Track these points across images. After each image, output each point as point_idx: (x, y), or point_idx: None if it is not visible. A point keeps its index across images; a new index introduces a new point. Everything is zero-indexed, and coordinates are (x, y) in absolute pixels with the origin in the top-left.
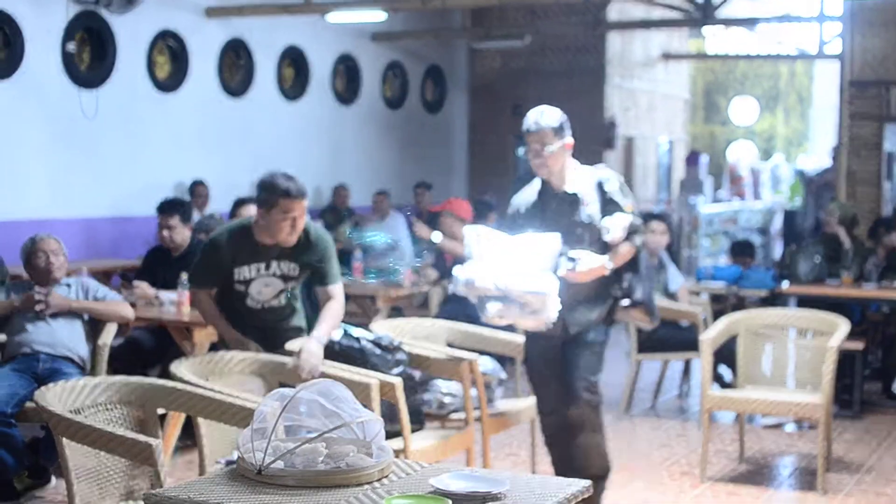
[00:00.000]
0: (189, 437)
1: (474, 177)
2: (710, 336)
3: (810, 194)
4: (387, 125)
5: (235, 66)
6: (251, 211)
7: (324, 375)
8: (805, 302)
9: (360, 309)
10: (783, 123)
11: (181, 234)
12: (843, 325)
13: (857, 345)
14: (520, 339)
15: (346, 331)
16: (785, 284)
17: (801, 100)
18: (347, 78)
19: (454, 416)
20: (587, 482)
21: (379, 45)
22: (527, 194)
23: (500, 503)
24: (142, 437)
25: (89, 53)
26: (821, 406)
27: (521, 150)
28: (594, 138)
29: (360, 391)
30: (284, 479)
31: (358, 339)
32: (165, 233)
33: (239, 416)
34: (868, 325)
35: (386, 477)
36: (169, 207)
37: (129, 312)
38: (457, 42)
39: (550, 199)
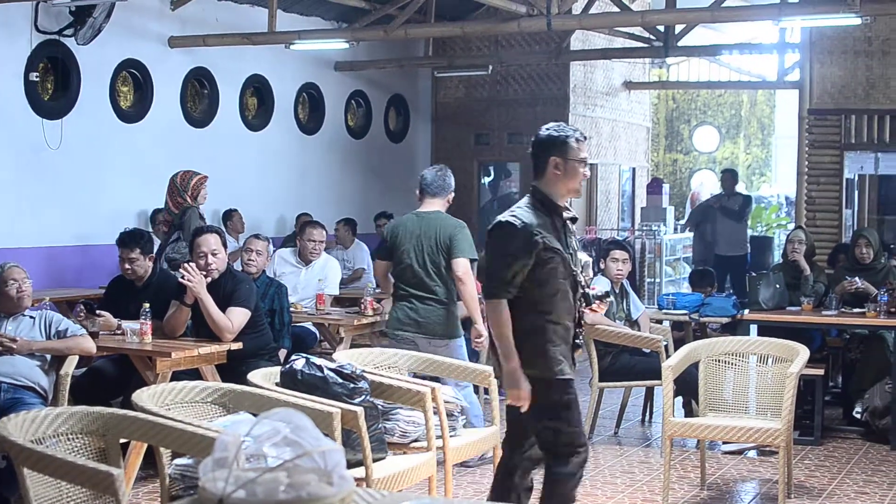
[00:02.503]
0: (152, 467)
1: None
2: (672, 363)
3: (707, 221)
4: (350, 154)
5: (199, 96)
6: (210, 242)
7: (286, 405)
8: (766, 329)
9: (323, 338)
10: (745, 151)
11: (142, 267)
12: (802, 352)
13: (818, 371)
14: (483, 367)
15: (308, 360)
16: (746, 312)
17: (763, 128)
18: (311, 107)
19: (416, 444)
20: None
21: (342, 75)
22: (540, 221)
23: None
24: (103, 467)
25: (53, 83)
26: (781, 432)
27: (485, 180)
28: None
29: (323, 420)
30: None
31: (320, 368)
32: (127, 266)
33: (200, 446)
34: (828, 351)
35: None
36: (129, 240)
37: (90, 347)
38: (420, 71)
39: (561, 227)
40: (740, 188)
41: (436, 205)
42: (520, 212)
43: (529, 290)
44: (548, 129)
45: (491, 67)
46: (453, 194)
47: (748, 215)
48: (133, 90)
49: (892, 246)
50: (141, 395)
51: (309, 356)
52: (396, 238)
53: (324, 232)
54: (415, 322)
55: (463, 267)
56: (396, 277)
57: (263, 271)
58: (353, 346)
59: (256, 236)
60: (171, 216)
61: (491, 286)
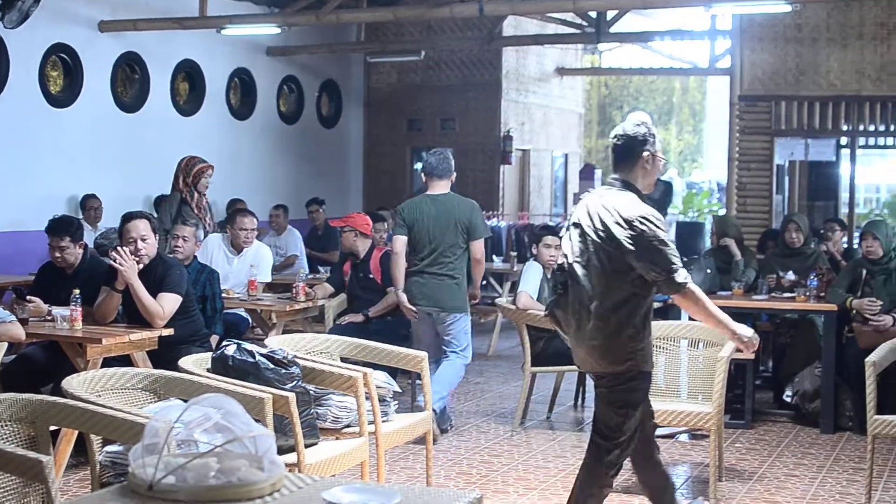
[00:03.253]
0: (83, 455)
1: (370, 191)
2: None
3: None
4: (282, 140)
5: (130, 81)
6: (139, 227)
7: (217, 390)
8: None
9: (255, 324)
10: (676, 138)
11: (73, 254)
12: None
13: (748, 355)
14: (414, 352)
15: (239, 345)
16: None
17: (694, 114)
18: (242, 92)
19: (349, 430)
20: (478, 494)
21: (274, 60)
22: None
23: None
24: (32, 455)
25: None
26: (712, 416)
27: (418, 165)
28: (490, 152)
29: (254, 406)
30: (176, 495)
31: (252, 354)
32: (57, 254)
33: (131, 432)
34: (759, 336)
35: (278, 491)
36: (59, 228)
37: (19, 333)
38: (352, 56)
39: None
40: (672, 174)
41: (444, 187)
42: (646, 203)
43: (642, 286)
44: (637, 124)
45: (423, 53)
46: (455, 174)
47: (669, 203)
48: (63, 75)
49: (821, 231)
50: (71, 382)
51: (240, 342)
52: (415, 220)
53: (255, 220)
54: (426, 296)
55: (480, 249)
56: (412, 255)
57: (195, 257)
58: (285, 331)
59: (183, 222)
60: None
61: (679, 279)
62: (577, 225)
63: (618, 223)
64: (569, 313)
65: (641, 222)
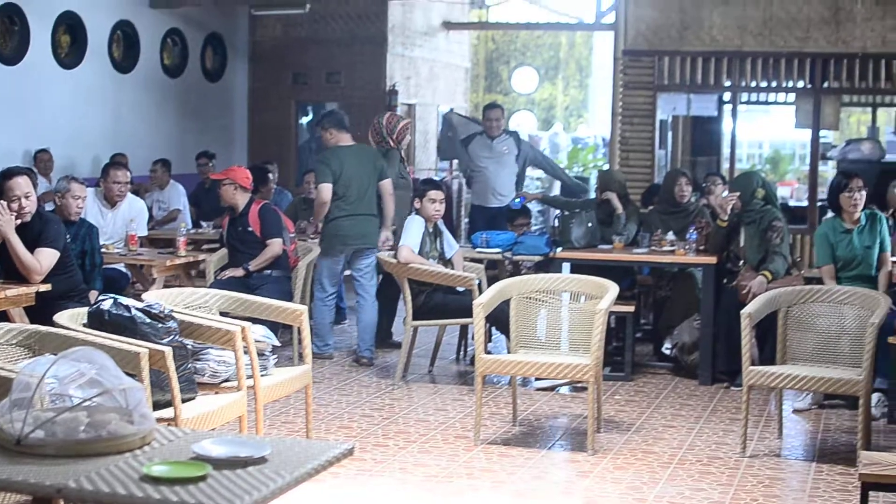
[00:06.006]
0: None
1: (255, 145)
2: (483, 301)
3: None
4: (166, 93)
5: (9, 33)
6: (22, 185)
7: (91, 345)
8: (580, 267)
9: (135, 280)
10: (563, 93)
11: None
12: (612, 289)
13: (628, 308)
14: (294, 306)
15: (116, 300)
16: (559, 250)
17: (581, 69)
18: (125, 45)
19: (227, 384)
20: (350, 445)
21: (157, 12)
22: None
23: (261, 466)
24: None
25: None
26: (591, 367)
27: (303, 120)
28: (375, 106)
29: (130, 360)
30: (44, 449)
31: (128, 308)
32: None
33: (1, 388)
34: (639, 289)
35: (148, 444)
36: None
37: None
38: (237, 9)
39: None
40: (558, 128)
41: (350, 139)
42: None
43: None
44: None
45: (308, 6)
46: None
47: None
48: None
49: (703, 185)
50: None
51: (117, 296)
52: (342, 168)
53: (128, 173)
54: (361, 235)
55: (391, 187)
56: (340, 199)
57: None
58: (166, 287)
59: (75, 179)
60: None
61: None
62: None
63: None
64: None
65: None
